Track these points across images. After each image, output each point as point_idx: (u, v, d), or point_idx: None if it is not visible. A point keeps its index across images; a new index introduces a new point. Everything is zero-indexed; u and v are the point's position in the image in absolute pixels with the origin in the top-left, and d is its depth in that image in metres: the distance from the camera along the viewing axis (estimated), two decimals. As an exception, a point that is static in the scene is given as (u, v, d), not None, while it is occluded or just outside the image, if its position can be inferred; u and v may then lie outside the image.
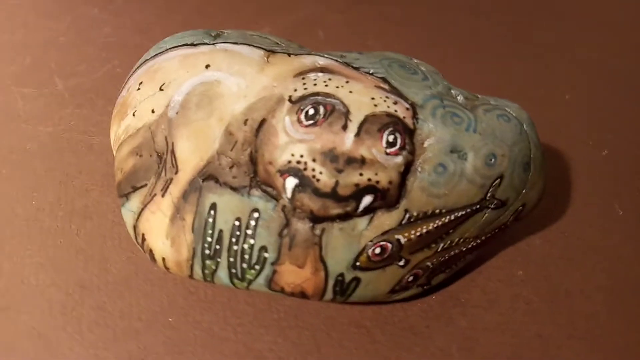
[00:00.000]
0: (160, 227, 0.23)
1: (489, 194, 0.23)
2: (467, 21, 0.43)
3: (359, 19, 0.43)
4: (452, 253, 0.24)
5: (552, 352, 0.24)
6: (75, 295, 0.25)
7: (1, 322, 0.24)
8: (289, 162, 0.21)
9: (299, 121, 0.21)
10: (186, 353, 0.23)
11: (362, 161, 0.21)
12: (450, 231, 0.23)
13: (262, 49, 0.24)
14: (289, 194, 0.21)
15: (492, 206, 0.23)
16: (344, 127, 0.21)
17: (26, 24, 0.39)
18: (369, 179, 0.21)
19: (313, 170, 0.21)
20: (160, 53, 0.25)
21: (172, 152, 0.23)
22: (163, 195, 0.23)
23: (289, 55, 0.24)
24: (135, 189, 0.24)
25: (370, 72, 0.23)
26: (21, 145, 0.31)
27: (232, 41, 0.25)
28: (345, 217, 0.21)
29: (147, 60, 0.26)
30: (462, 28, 0.43)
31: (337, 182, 0.21)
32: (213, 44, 0.25)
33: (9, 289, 0.25)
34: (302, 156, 0.21)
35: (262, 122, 0.22)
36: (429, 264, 0.24)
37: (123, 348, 0.23)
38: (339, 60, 0.24)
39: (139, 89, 0.25)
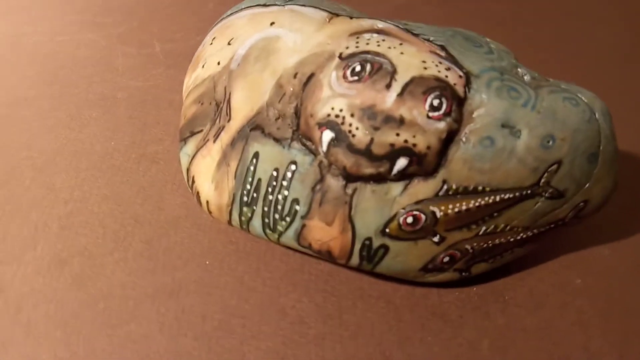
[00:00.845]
0: (208, 171, 0.24)
1: (542, 180, 0.21)
2: (569, 23, 0.41)
3: (454, 13, 0.42)
4: (497, 241, 0.23)
5: (599, 369, 0.22)
6: (129, 227, 0.27)
7: (60, 238, 0.26)
8: (328, 115, 0.21)
9: (344, 77, 0.21)
10: (214, 295, 0.24)
11: (401, 121, 0.20)
12: (495, 214, 0.22)
13: (328, 11, 0.24)
14: (324, 147, 0.21)
15: (547, 195, 0.22)
16: (388, 86, 0.20)
17: (141, -7, 0.43)
18: (406, 141, 0.20)
19: (350, 125, 0.20)
20: (235, 12, 0.27)
21: (228, 101, 0.24)
22: (214, 141, 0.24)
23: (351, 18, 0.24)
24: (192, 133, 0.25)
25: (430, 39, 0.22)
26: (113, 94, 0.34)
27: (301, 3, 0.25)
28: (378, 178, 0.21)
29: (223, 18, 0.27)
30: (563, 30, 0.40)
31: (372, 140, 0.20)
32: (283, 5, 0.25)
33: (73, 212, 0.28)
34: (341, 110, 0.21)
35: (311, 76, 0.22)
36: (468, 247, 0.22)
37: (159, 280, 0.25)
38: (400, 26, 0.23)
39: (211, 43, 0.26)
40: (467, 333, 0.23)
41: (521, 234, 0.23)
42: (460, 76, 0.21)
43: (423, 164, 0.20)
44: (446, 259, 0.23)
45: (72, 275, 0.25)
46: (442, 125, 0.20)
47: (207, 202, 0.24)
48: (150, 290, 0.24)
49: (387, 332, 0.23)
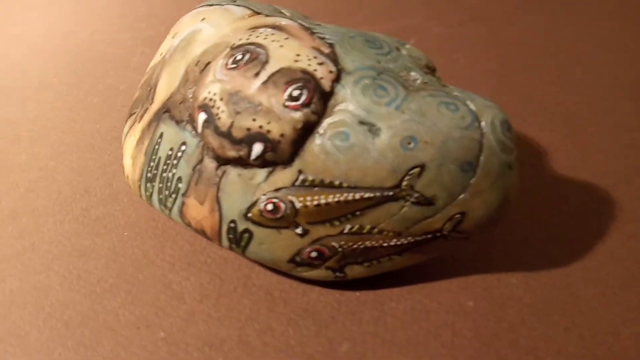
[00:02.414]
0: (130, 148, 0.27)
1: (404, 182, 0.20)
2: (582, 49, 0.38)
3: (463, 35, 0.41)
4: (369, 244, 0.22)
5: (453, 395, 0.20)
6: (77, 195, 0.30)
7: (22, 198, 0.30)
8: (205, 98, 0.22)
9: (226, 64, 0.22)
10: (117, 262, 0.26)
11: (259, 107, 0.21)
12: (357, 213, 0.21)
13: (252, 10, 0.26)
14: (199, 128, 0.22)
15: (413, 200, 0.21)
16: (256, 74, 0.21)
17: (179, 1, 0.48)
18: (261, 126, 0.21)
19: (218, 108, 0.22)
20: (191, 10, 0.29)
21: (155, 86, 0.27)
22: (139, 122, 0.27)
23: (266, 16, 0.25)
24: (130, 115, 0.28)
25: (325, 37, 0.23)
26: (117, 85, 0.38)
27: (238, 3, 0.27)
28: (243, 163, 0.22)
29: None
30: (576, 57, 0.37)
31: (232, 123, 0.21)
32: (224, 5, 0.27)
33: (41, 178, 0.31)
34: (214, 94, 0.22)
35: (208, 64, 0.24)
36: (335, 244, 0.22)
37: (79, 243, 0.27)
38: (304, 24, 0.24)
39: (166, 37, 0.29)
40: (330, 334, 0.22)
41: (394, 240, 0.22)
42: (330, 71, 0.21)
43: (277, 151, 0.21)
44: (314, 254, 0.22)
45: (18, 228, 0.28)
46: (297, 115, 0.21)
47: (127, 176, 0.26)
48: (69, 250, 0.27)
49: (254, 320, 0.23)
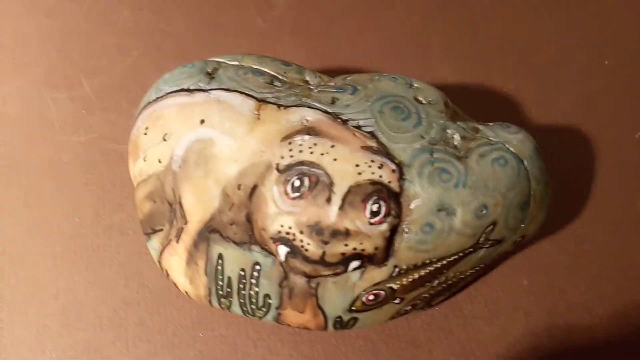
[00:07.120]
0: (179, 268, 0.26)
1: (481, 239, 0.23)
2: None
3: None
4: (450, 283, 0.25)
5: (546, 365, 0.26)
6: (121, 312, 0.29)
7: (62, 337, 0.29)
8: (279, 232, 0.22)
9: (286, 193, 0.22)
10: (213, 366, 0.27)
11: (347, 233, 0.22)
12: (444, 271, 0.24)
13: (254, 98, 0.24)
14: (282, 258, 0.23)
15: (487, 246, 0.24)
16: (328, 200, 0.22)
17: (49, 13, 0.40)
18: (354, 248, 0.22)
19: (301, 241, 0.22)
20: (160, 98, 0.26)
21: (180, 203, 0.25)
22: (177, 242, 0.26)
23: (279, 107, 0.24)
24: (154, 231, 0.27)
25: (359, 124, 0.23)
26: (58, 156, 0.34)
27: (225, 87, 0.25)
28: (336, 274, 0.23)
29: (149, 102, 0.27)
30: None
31: (324, 252, 0.22)
32: (207, 91, 0.25)
33: (65, 306, 0.30)
34: (290, 228, 0.22)
35: (254, 188, 0.23)
36: (426, 295, 0.25)
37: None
38: (328, 111, 0.23)
39: (145, 133, 0.26)
40: (435, 354, 0.27)
41: (469, 271, 0.25)
42: (393, 170, 0.22)
43: (374, 261, 0.22)
44: (408, 308, 0.26)
45: (84, 368, 0.28)
46: (384, 227, 0.22)
47: (186, 292, 0.26)
48: (159, 377, 0.27)
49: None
